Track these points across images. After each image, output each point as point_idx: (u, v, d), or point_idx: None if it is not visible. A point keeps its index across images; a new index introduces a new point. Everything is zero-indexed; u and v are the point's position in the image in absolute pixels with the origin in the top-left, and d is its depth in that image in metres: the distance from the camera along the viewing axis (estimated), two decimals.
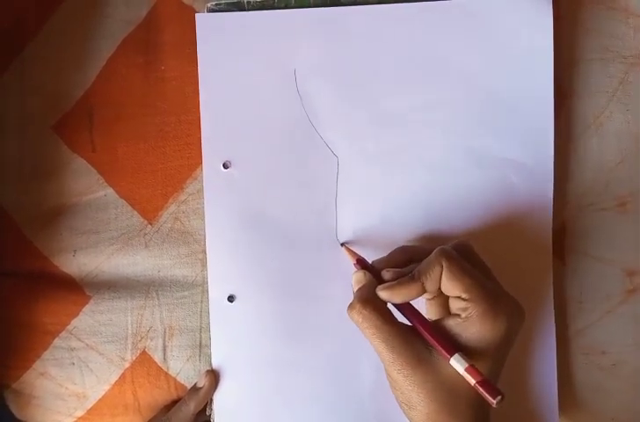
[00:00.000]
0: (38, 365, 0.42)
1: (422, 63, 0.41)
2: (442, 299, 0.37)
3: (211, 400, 0.42)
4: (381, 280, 0.35)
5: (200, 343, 0.42)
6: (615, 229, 0.42)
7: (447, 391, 0.33)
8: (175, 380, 0.43)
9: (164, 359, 0.42)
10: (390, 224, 0.41)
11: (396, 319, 0.34)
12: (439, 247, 0.35)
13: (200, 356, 0.42)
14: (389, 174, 0.41)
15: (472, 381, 0.31)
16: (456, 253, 0.34)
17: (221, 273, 0.41)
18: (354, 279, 0.37)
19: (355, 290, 0.36)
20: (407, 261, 0.37)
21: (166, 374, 0.43)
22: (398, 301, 0.34)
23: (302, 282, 0.41)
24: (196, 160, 0.42)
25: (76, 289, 0.42)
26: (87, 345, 0.42)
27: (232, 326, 0.41)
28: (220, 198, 0.41)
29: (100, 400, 0.43)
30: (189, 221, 0.43)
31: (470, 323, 0.33)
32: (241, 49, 0.41)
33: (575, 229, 0.43)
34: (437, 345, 0.33)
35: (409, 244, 0.39)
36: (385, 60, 0.41)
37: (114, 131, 0.43)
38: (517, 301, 0.35)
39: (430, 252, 0.35)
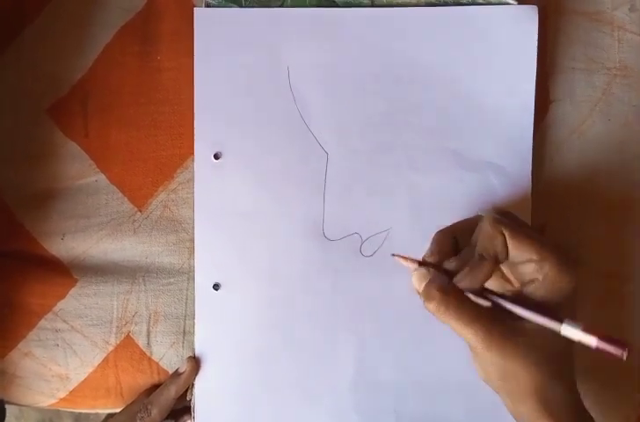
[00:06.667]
0: (22, 345, 0.43)
1: (409, 66, 0.42)
2: (501, 270, 0.36)
3: (192, 385, 0.42)
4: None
5: (184, 330, 0.43)
6: (591, 233, 0.43)
7: (548, 356, 0.32)
8: (157, 365, 0.43)
9: (148, 344, 0.43)
10: (376, 220, 0.42)
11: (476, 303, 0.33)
12: (487, 218, 0.34)
13: (183, 343, 0.43)
14: (376, 172, 0.42)
15: (594, 342, 0.30)
16: (506, 219, 0.34)
17: (207, 262, 0.42)
18: (416, 277, 0.34)
19: (422, 287, 0.34)
20: (454, 242, 0.36)
21: (149, 358, 0.43)
22: (478, 285, 0.33)
23: (288, 273, 0.42)
24: (187, 150, 0.43)
25: (64, 272, 0.43)
26: (72, 327, 0.43)
27: (216, 314, 0.42)
28: (210, 188, 0.42)
29: (83, 382, 0.43)
30: (178, 210, 0.43)
31: (550, 281, 0.32)
32: (237, 44, 0.42)
33: (554, 230, 0.43)
34: (542, 318, 0.32)
35: (443, 226, 0.36)
36: (374, 61, 0.42)
37: (108, 118, 0.43)
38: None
39: (470, 224, 0.34)
